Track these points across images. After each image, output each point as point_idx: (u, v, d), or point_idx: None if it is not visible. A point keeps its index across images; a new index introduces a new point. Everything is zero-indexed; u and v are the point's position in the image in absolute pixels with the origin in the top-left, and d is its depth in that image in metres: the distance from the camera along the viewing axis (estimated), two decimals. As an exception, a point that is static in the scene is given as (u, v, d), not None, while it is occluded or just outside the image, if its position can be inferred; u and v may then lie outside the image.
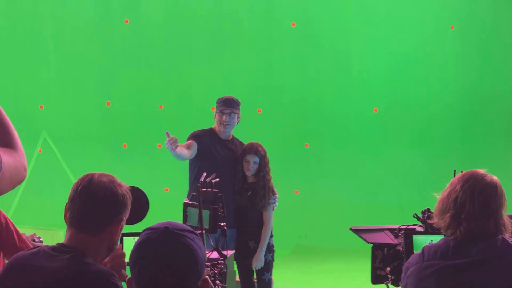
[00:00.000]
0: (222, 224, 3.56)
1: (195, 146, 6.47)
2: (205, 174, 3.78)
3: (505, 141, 11.88)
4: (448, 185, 3.30)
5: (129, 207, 2.94)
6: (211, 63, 11.74)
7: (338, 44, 11.95)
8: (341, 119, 11.88)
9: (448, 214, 3.23)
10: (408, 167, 11.80)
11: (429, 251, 3.23)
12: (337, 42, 11.94)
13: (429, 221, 3.66)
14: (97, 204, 2.86)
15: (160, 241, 2.33)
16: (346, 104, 11.93)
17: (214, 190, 3.60)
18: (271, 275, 6.40)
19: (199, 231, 3.51)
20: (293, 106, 11.87)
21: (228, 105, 6.58)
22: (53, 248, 2.82)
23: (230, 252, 4.21)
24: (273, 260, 6.41)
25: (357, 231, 4.20)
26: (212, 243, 3.61)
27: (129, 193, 2.94)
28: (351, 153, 11.81)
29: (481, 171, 3.30)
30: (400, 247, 4.02)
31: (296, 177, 11.52)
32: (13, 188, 2.17)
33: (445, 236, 3.29)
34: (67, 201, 2.92)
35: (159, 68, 11.70)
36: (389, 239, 4.12)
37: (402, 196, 11.61)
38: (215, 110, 6.68)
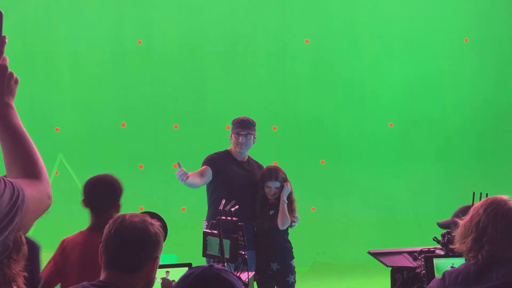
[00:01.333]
0: (243, 252, 3.56)
1: (209, 172, 6.45)
2: (224, 201, 3.77)
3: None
4: (470, 210, 3.31)
5: (162, 243, 3.01)
6: (225, 81, 11.76)
7: (351, 60, 11.94)
8: (356, 135, 11.85)
9: (470, 238, 3.22)
10: (425, 181, 11.75)
11: (450, 276, 3.22)
12: (350, 58, 11.93)
13: (450, 246, 3.64)
14: (132, 246, 2.93)
15: (204, 275, 2.47)
16: (361, 119, 11.91)
17: (234, 218, 3.59)
18: None
19: (221, 264, 3.53)
20: (308, 122, 11.86)
21: (245, 127, 6.58)
22: (93, 284, 2.90)
23: (250, 274, 4.21)
24: (295, 281, 6.39)
25: (375, 255, 4.19)
26: (231, 270, 3.61)
27: (161, 230, 3.01)
28: (367, 168, 11.78)
29: (504, 197, 3.30)
30: (419, 270, 3.99)
31: (312, 194, 11.48)
32: (38, 218, 2.17)
33: (466, 260, 3.27)
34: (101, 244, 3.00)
35: (173, 88, 11.73)
36: (408, 262, 4.10)
37: (420, 211, 11.56)
38: (230, 132, 6.68)
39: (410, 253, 4.16)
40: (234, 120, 6.69)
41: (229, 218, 3.62)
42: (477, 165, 11.77)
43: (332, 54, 11.94)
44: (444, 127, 11.88)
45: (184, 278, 2.48)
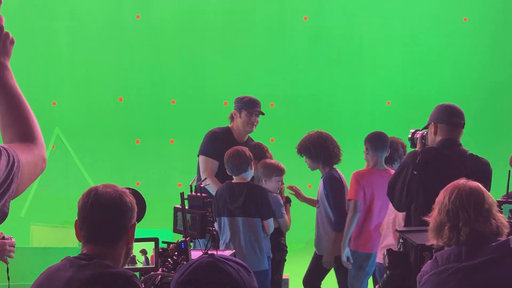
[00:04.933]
0: (212, 228, 3.58)
1: (217, 166, 6.46)
2: (195, 178, 3.81)
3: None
4: (434, 205, 3.33)
5: (136, 208, 3.05)
6: (223, 57, 11.72)
7: (350, 38, 11.90)
8: (353, 113, 11.84)
9: (446, 228, 3.24)
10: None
11: (442, 257, 3.26)
12: (349, 35, 11.89)
13: (426, 243, 3.65)
14: (111, 216, 2.96)
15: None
16: (359, 97, 11.89)
17: (203, 194, 3.62)
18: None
19: (183, 239, 3.56)
20: (305, 100, 11.84)
21: (258, 107, 6.56)
22: (76, 257, 2.92)
23: (228, 252, 4.23)
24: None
25: (403, 232, 4.22)
26: (201, 247, 3.62)
27: (132, 195, 3.05)
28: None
29: (461, 180, 3.32)
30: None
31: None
32: (33, 182, 2.14)
33: None
34: (76, 219, 3.00)
35: (171, 63, 11.69)
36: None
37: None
38: (237, 110, 6.59)
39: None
40: (244, 99, 6.60)
41: (198, 194, 3.64)
42: (472, 142, 11.74)
43: (331, 32, 11.89)
44: (441, 106, 11.85)
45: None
